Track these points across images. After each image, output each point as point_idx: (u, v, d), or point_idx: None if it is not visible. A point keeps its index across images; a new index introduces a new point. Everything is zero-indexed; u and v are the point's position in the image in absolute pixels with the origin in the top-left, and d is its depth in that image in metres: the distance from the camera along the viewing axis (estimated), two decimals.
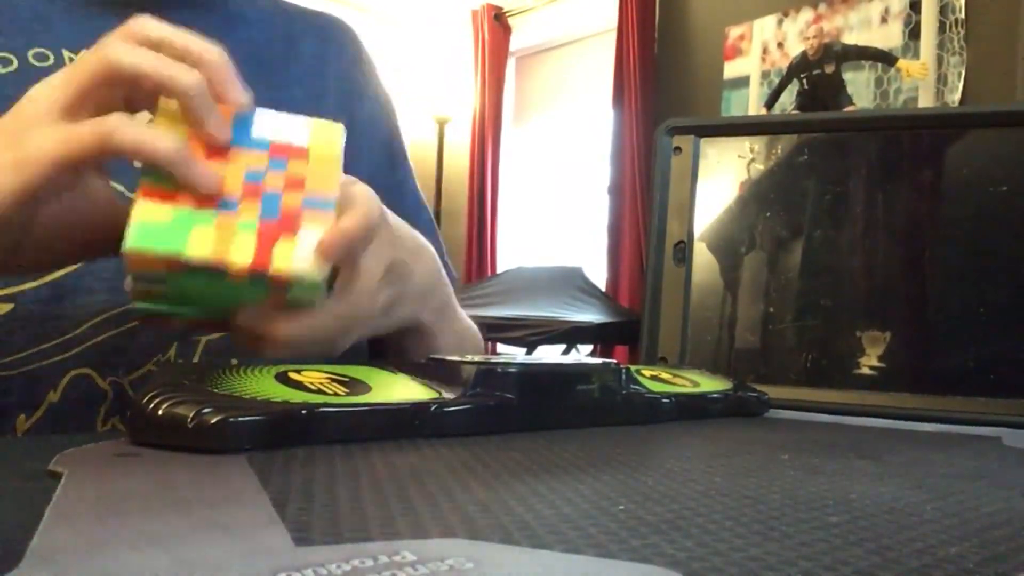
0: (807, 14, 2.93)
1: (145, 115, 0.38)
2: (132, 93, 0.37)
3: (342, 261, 0.39)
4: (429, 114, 3.83)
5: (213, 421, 0.31)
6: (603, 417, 0.45)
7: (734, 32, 3.13)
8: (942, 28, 2.61)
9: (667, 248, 0.73)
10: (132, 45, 0.36)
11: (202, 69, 0.37)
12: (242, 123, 0.38)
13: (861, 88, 2.80)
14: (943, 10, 2.61)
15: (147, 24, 0.38)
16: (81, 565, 0.17)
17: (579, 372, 0.46)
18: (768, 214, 0.72)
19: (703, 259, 0.72)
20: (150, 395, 0.32)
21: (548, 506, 0.24)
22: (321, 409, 0.34)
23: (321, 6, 0.73)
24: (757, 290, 0.71)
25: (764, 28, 3.04)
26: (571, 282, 3.13)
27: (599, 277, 3.39)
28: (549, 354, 2.53)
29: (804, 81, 2.93)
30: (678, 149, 0.74)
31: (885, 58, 2.74)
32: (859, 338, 0.66)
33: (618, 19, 3.42)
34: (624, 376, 0.47)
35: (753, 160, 0.73)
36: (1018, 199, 0.63)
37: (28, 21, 0.54)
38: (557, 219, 3.96)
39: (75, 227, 0.38)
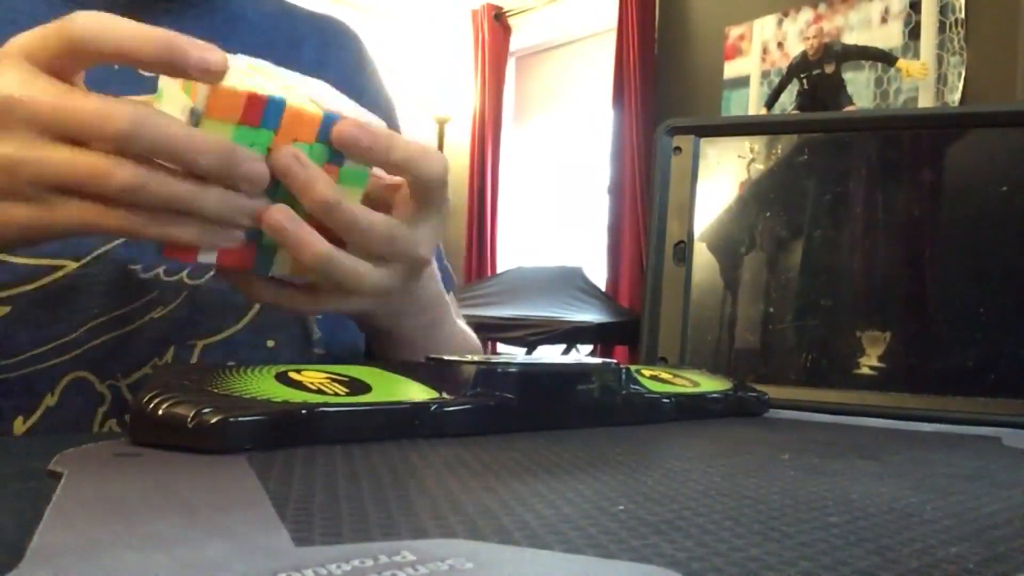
0: (807, 14, 2.93)
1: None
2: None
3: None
4: (429, 114, 3.83)
5: (213, 421, 0.31)
6: (603, 417, 0.45)
7: (734, 32, 3.13)
8: (942, 28, 2.61)
9: (667, 248, 0.73)
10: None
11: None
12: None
13: (861, 88, 2.80)
14: (943, 10, 2.61)
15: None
16: (81, 565, 0.17)
17: (579, 372, 0.46)
18: (768, 214, 0.72)
19: (703, 259, 0.72)
20: (150, 395, 0.32)
21: (548, 506, 0.24)
22: (321, 409, 0.34)
23: (321, 6, 0.73)
24: (757, 290, 0.71)
25: (764, 28, 3.04)
26: (571, 282, 3.13)
27: (599, 277, 3.39)
28: (549, 354, 2.53)
29: (804, 81, 2.93)
30: (678, 149, 0.74)
31: (885, 58, 2.74)
32: (859, 338, 0.66)
33: (618, 19, 3.42)
34: (624, 376, 0.47)
35: (753, 160, 0.73)
36: (1018, 199, 0.63)
37: (28, 23, 0.54)
38: (557, 219, 3.96)
39: None
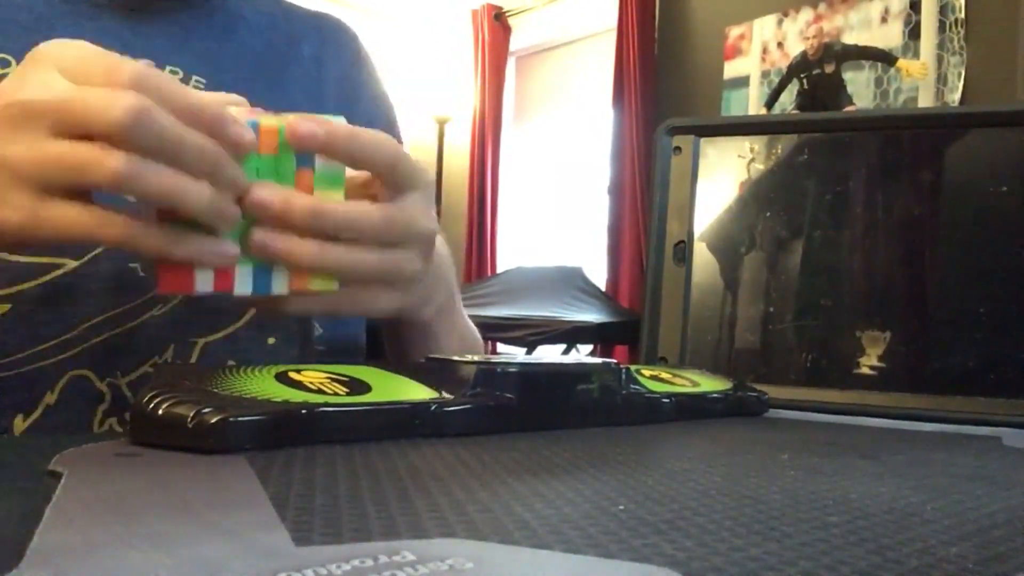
0: (807, 14, 2.93)
1: None
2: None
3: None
4: (429, 114, 3.83)
5: (213, 421, 0.31)
6: (603, 417, 0.45)
7: (734, 32, 3.13)
8: (942, 28, 2.61)
9: (667, 248, 0.73)
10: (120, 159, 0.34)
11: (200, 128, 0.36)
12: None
13: (861, 88, 2.80)
14: (943, 10, 2.61)
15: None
16: (81, 565, 0.17)
17: (579, 372, 0.46)
18: (768, 214, 0.72)
19: (703, 259, 0.72)
20: (150, 395, 0.32)
21: (548, 506, 0.24)
22: (321, 409, 0.34)
23: (321, 6, 0.73)
24: (757, 290, 0.71)
25: (764, 28, 3.04)
26: (571, 282, 3.13)
27: (599, 277, 3.39)
28: (549, 354, 2.53)
29: (804, 81, 2.93)
30: (678, 149, 0.74)
31: (885, 58, 2.74)
32: (859, 338, 0.66)
33: (618, 19, 3.42)
34: (624, 376, 0.47)
35: (753, 160, 0.73)
36: (1018, 199, 0.63)
37: (28, 22, 0.54)
38: (557, 219, 3.96)
39: None
